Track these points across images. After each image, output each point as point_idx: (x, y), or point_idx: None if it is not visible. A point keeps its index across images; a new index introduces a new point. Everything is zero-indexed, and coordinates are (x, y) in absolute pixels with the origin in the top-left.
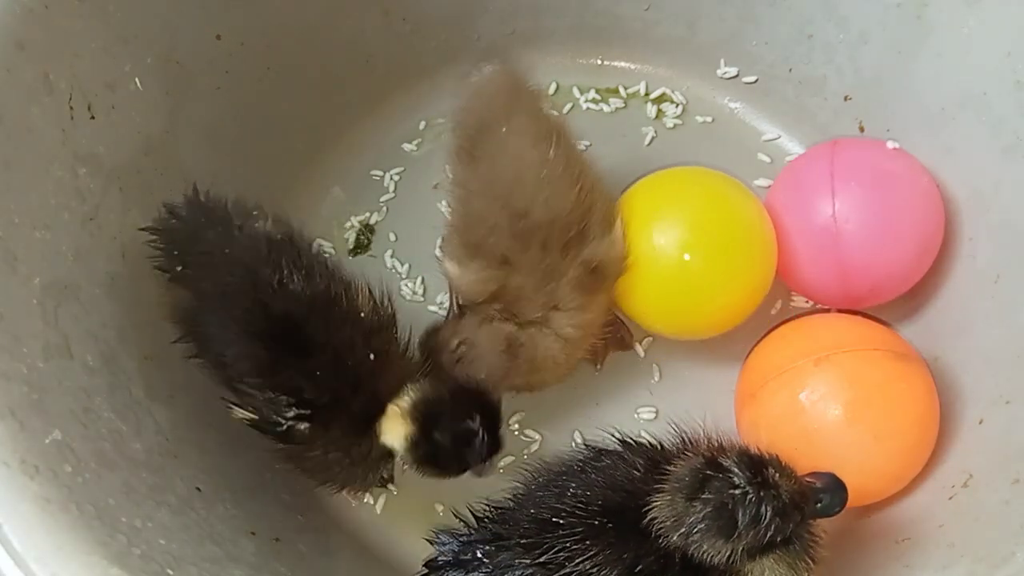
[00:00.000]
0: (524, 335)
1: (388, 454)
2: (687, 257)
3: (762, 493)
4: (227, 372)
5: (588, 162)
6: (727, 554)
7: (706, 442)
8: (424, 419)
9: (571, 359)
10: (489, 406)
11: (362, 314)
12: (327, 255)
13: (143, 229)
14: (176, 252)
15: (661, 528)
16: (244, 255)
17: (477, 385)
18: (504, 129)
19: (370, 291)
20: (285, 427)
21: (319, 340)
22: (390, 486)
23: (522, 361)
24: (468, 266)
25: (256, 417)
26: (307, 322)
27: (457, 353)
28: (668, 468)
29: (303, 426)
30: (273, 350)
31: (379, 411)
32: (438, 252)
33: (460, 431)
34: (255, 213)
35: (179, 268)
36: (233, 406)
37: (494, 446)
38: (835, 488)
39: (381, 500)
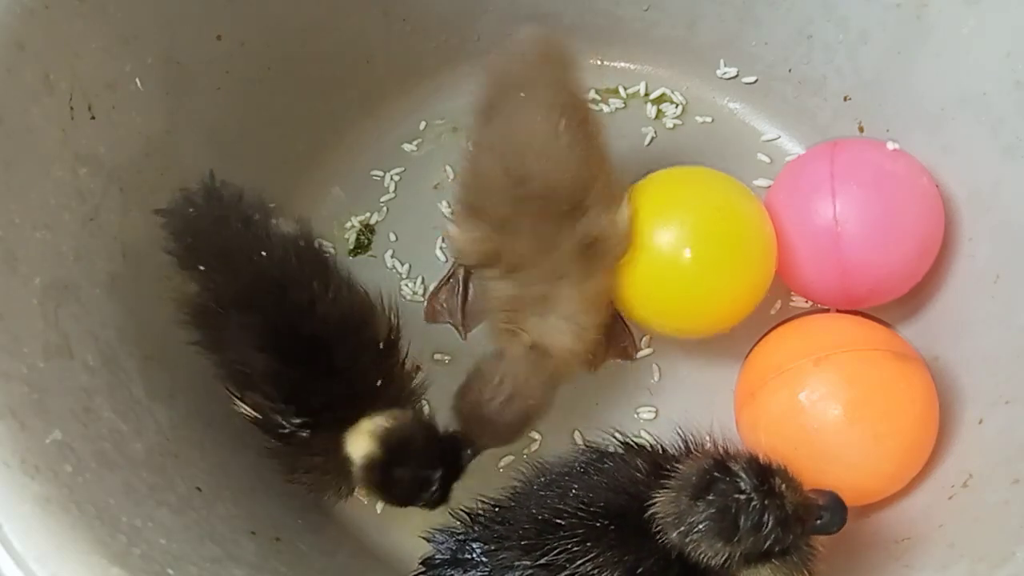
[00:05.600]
0: (535, 332)
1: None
2: (687, 255)
3: (767, 501)
4: (236, 375)
5: (601, 146)
6: (724, 557)
7: (712, 446)
8: (391, 450)
9: (582, 344)
10: (455, 461)
11: (380, 344)
12: (346, 270)
13: (157, 212)
14: (190, 242)
15: (661, 524)
16: (273, 267)
17: (453, 435)
18: (523, 93)
19: (386, 312)
20: (287, 431)
21: (339, 366)
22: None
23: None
24: (465, 226)
25: (259, 416)
26: (332, 347)
27: (502, 392)
28: (672, 470)
29: (305, 433)
30: (294, 369)
31: (355, 421)
32: (439, 252)
33: (420, 477)
34: (272, 207)
35: (200, 267)
36: (237, 401)
37: (443, 497)
38: (836, 507)
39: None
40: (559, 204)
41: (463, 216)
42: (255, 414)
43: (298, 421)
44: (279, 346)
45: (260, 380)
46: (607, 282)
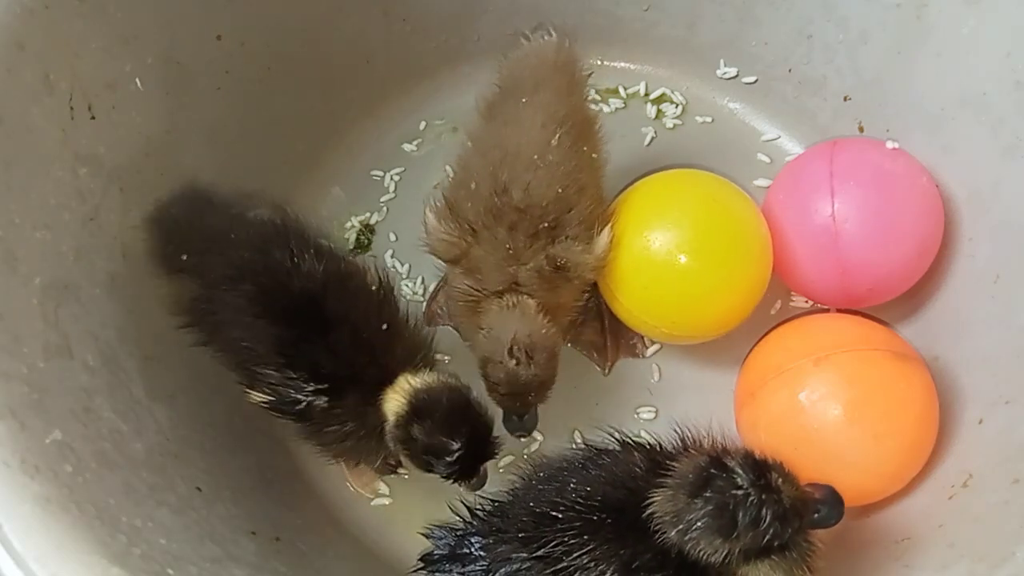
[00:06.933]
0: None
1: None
2: (682, 260)
3: (764, 496)
4: (242, 355)
5: (596, 165)
6: (723, 554)
7: (709, 443)
8: (415, 409)
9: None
10: (481, 438)
11: (373, 287)
12: (325, 237)
13: (138, 227)
14: (175, 244)
15: (660, 523)
16: (252, 237)
17: (483, 413)
18: (524, 100)
19: (372, 267)
20: (304, 405)
21: (337, 315)
22: (400, 469)
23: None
24: (441, 223)
25: (273, 398)
26: (325, 298)
27: (521, 348)
28: (669, 466)
29: (321, 401)
30: (294, 328)
31: (390, 379)
32: None
33: (435, 443)
34: (250, 198)
35: (183, 258)
36: (248, 390)
37: (468, 472)
38: (833, 501)
39: (382, 500)
40: (535, 220)
41: (443, 211)
42: (269, 397)
43: (311, 389)
44: (274, 308)
45: (266, 351)
46: (571, 295)
